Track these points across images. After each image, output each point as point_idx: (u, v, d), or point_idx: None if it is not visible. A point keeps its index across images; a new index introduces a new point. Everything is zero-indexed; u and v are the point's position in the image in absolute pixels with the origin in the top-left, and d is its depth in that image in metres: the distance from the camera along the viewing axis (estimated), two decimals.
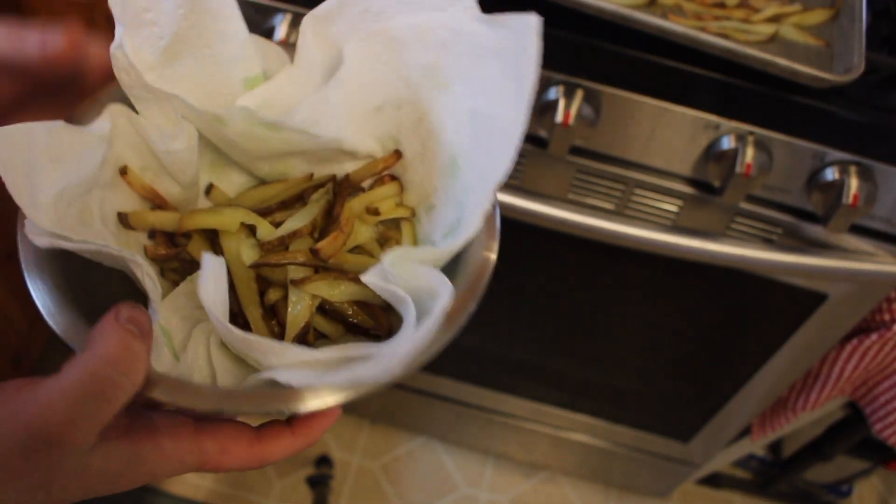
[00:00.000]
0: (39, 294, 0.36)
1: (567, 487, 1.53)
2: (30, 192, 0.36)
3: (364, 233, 0.45)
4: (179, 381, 0.35)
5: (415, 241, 0.46)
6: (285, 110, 0.45)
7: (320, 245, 0.42)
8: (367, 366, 0.33)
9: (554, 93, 0.74)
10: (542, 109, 0.76)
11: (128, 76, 0.41)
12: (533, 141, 0.81)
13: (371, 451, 1.51)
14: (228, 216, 0.44)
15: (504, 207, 0.82)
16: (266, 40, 0.46)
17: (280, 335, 0.42)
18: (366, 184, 0.48)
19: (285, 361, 0.36)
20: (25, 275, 0.37)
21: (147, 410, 0.36)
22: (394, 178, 0.48)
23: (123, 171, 0.43)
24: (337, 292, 0.42)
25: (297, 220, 0.44)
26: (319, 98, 0.44)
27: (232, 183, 0.49)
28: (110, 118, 0.41)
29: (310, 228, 0.44)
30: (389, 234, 0.47)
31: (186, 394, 0.34)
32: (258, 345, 0.36)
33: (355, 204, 0.46)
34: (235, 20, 0.44)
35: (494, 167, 0.39)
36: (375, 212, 0.46)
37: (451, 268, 0.41)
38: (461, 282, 0.39)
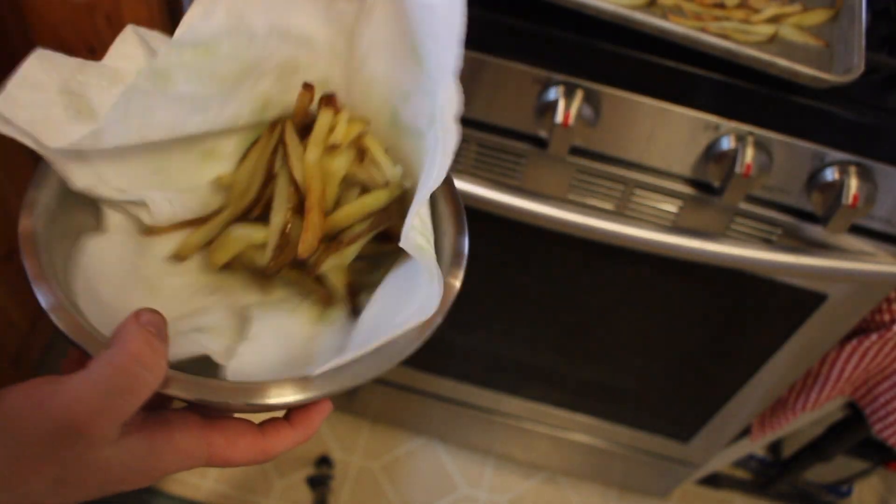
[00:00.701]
0: (43, 295, 0.38)
1: (567, 487, 1.53)
2: None
3: (338, 167, 0.46)
4: (194, 377, 0.37)
5: (383, 149, 0.47)
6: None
7: (299, 251, 0.43)
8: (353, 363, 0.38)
9: (554, 93, 0.74)
10: (542, 109, 0.76)
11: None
12: (533, 141, 0.81)
13: (371, 451, 1.51)
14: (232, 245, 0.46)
15: (504, 207, 0.82)
16: None
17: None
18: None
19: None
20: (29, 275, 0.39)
21: (159, 407, 0.38)
22: (328, 99, 0.47)
23: (150, 231, 0.46)
24: (347, 254, 0.45)
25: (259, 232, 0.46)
26: None
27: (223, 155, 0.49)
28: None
29: (279, 231, 0.45)
30: (360, 145, 0.47)
31: (201, 389, 0.36)
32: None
33: (310, 154, 0.46)
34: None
35: (447, 57, 0.39)
36: (334, 146, 0.46)
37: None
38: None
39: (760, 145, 0.74)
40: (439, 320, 0.40)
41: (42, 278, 0.38)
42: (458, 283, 0.43)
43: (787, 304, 0.92)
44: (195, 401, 0.37)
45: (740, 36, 0.74)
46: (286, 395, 0.37)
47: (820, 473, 1.47)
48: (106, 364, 0.34)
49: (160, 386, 0.35)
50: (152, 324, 0.36)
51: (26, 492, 0.33)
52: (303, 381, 0.38)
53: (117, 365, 0.33)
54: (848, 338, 0.98)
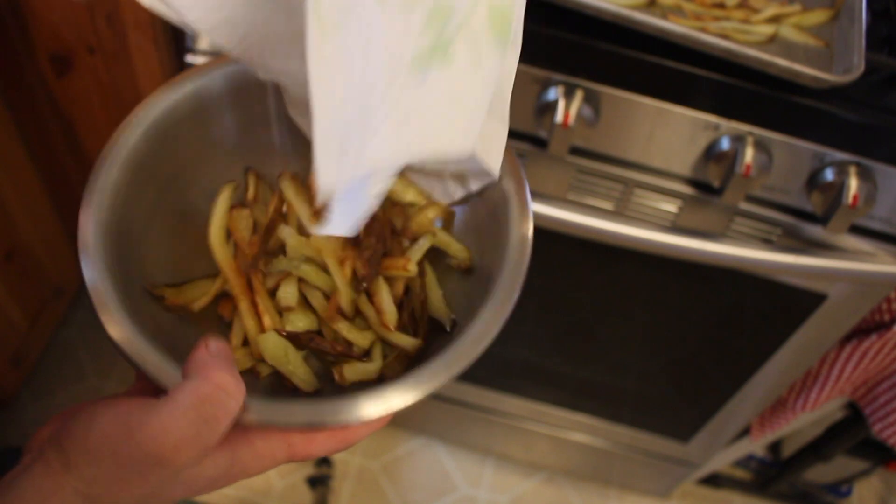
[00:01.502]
0: (90, 269, 0.38)
1: (567, 487, 1.53)
2: None
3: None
4: (267, 400, 0.37)
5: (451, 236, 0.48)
6: None
7: (341, 372, 0.43)
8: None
9: (554, 93, 0.74)
10: (542, 109, 0.76)
11: None
12: (533, 141, 0.81)
13: (371, 451, 1.51)
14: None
15: None
16: None
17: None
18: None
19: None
20: (80, 254, 0.39)
21: None
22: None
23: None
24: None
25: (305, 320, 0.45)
26: None
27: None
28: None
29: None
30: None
31: (276, 411, 0.37)
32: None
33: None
34: None
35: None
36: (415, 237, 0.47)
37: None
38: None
39: (760, 145, 0.74)
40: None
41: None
42: (530, 234, 0.44)
43: (787, 304, 0.92)
44: (276, 424, 0.37)
45: (740, 36, 0.74)
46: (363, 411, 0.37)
47: (820, 473, 1.47)
48: (191, 394, 0.34)
49: (240, 413, 0.36)
50: (222, 352, 0.37)
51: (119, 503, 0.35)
52: (368, 395, 0.38)
53: (203, 395, 0.34)
54: (848, 338, 0.98)
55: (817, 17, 0.78)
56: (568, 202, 0.83)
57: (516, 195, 0.45)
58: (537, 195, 0.82)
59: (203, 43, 0.80)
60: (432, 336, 0.45)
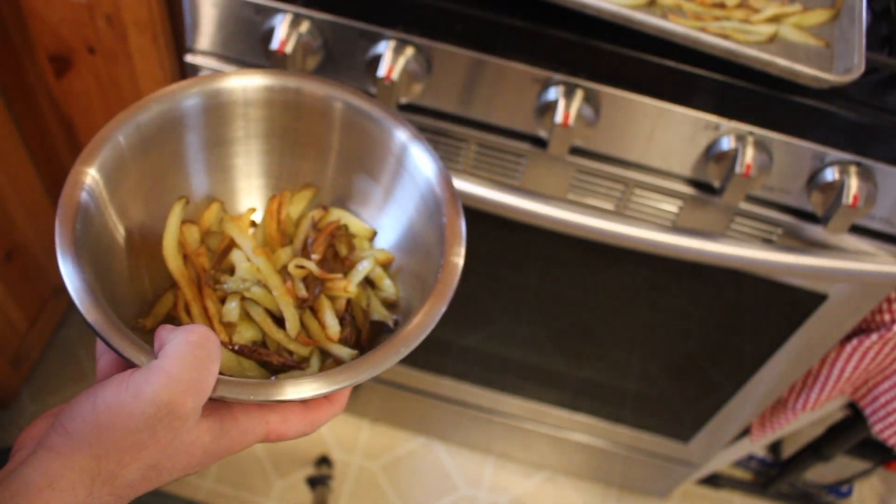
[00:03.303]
0: (70, 277, 0.41)
1: (567, 487, 1.53)
2: None
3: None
4: (234, 378, 0.41)
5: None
6: None
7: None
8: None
9: (554, 93, 0.74)
10: (542, 109, 0.76)
11: None
12: (533, 141, 0.81)
13: (371, 451, 1.51)
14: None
15: (504, 207, 0.82)
16: None
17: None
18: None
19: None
20: (59, 257, 0.42)
21: None
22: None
23: None
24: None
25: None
26: None
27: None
28: None
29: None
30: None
31: (239, 388, 0.40)
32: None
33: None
34: None
35: None
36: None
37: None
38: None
39: (760, 145, 0.74)
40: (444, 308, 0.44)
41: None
42: (461, 261, 0.46)
43: (788, 303, 0.92)
44: (229, 398, 0.40)
45: (740, 36, 0.74)
46: (304, 391, 0.41)
47: (820, 473, 1.47)
48: (183, 342, 0.38)
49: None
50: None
51: (125, 475, 0.37)
52: (319, 376, 0.41)
53: (193, 341, 0.38)
54: (848, 338, 0.98)
55: (817, 17, 0.78)
56: (568, 202, 0.83)
57: (449, 227, 0.48)
58: (537, 195, 0.82)
59: (202, 43, 0.80)
60: (381, 333, 0.51)
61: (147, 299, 0.49)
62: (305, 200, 0.55)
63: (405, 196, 0.52)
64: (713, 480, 1.53)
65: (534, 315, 1.09)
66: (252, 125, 0.53)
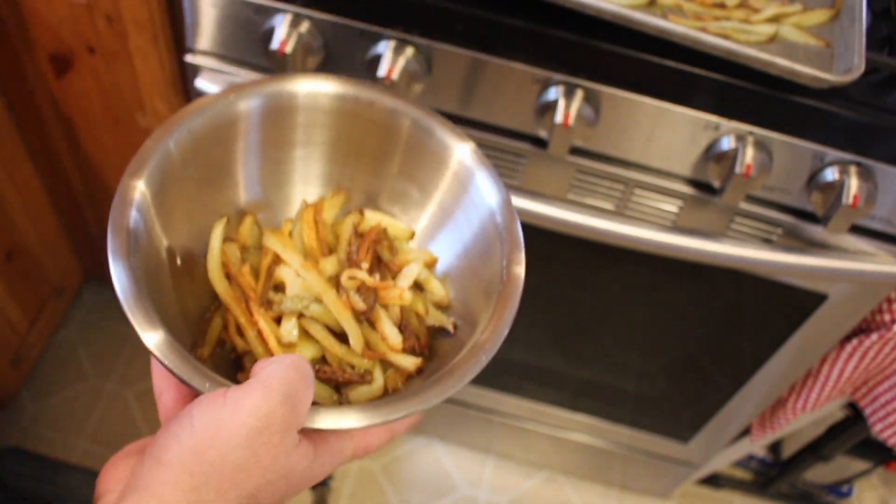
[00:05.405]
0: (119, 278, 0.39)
1: (567, 487, 1.53)
2: None
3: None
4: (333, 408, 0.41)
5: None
6: None
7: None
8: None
9: (554, 93, 0.74)
10: (542, 109, 0.76)
11: None
12: (533, 141, 0.81)
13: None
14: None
15: None
16: None
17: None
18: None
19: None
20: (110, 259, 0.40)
21: None
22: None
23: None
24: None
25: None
26: None
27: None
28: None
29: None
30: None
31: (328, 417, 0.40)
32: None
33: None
34: None
35: None
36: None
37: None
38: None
39: (760, 145, 0.74)
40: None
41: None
42: (522, 269, 0.48)
43: (788, 303, 0.92)
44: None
45: (740, 36, 0.74)
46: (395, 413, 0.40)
47: (820, 473, 1.47)
48: (280, 362, 0.37)
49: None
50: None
51: None
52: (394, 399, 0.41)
53: (292, 362, 0.38)
54: (848, 338, 0.98)
55: (817, 16, 0.78)
56: (568, 202, 0.83)
57: (507, 230, 0.49)
58: (537, 195, 0.82)
59: (202, 43, 0.80)
60: (438, 337, 0.50)
61: (191, 320, 0.48)
62: (338, 206, 0.53)
63: (449, 194, 0.52)
64: (713, 480, 1.53)
65: (534, 315, 1.09)
66: (316, 131, 0.51)
